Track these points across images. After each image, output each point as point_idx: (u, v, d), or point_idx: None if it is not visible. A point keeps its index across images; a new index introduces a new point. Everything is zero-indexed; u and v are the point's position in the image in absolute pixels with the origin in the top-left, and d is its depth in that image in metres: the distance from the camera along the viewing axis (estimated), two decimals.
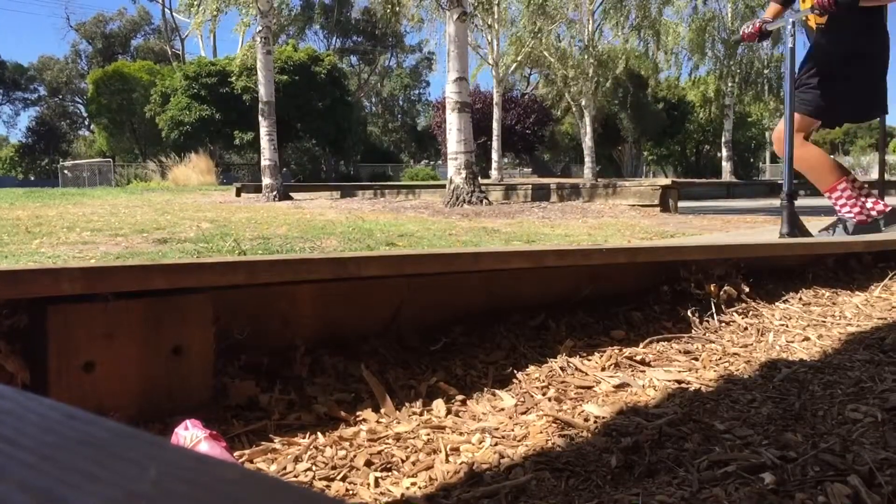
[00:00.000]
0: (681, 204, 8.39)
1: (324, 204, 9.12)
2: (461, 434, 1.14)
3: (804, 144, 3.51)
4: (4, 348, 1.03)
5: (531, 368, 1.45)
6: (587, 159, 21.01)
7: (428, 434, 1.13)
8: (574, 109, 22.62)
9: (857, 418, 1.15)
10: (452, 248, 3.10)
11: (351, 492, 0.95)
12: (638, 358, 1.55)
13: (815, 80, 3.50)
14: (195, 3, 12.28)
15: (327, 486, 0.96)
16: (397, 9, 12.71)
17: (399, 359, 1.42)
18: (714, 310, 1.93)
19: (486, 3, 15.64)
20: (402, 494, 0.94)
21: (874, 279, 2.61)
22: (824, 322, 1.99)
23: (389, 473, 1.00)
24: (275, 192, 10.45)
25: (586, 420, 1.19)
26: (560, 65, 19.88)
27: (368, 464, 1.02)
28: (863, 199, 3.53)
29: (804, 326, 1.93)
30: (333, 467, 1.01)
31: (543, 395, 1.32)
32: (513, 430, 1.15)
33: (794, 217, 3.33)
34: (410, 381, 1.34)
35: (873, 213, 3.49)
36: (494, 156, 19.23)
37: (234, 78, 23.14)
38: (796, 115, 3.42)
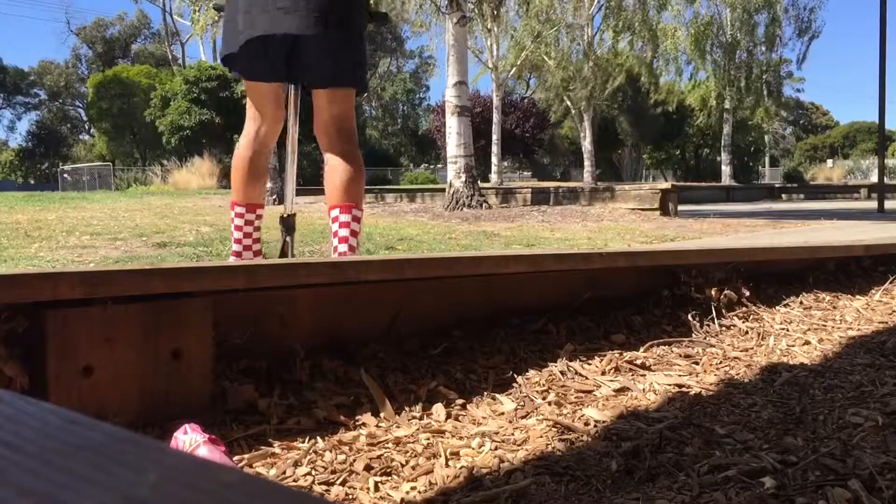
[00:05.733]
0: (680, 207, 8.40)
1: (323, 207, 9.12)
2: (461, 438, 1.14)
3: (245, 132, 2.36)
4: (3, 353, 1.02)
5: (531, 372, 1.45)
6: (587, 163, 21.02)
7: (428, 438, 1.13)
8: (573, 113, 22.64)
9: (857, 422, 1.14)
10: (452, 252, 3.10)
11: (350, 496, 0.95)
12: (638, 362, 1.54)
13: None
14: (196, 8, 12.31)
15: (327, 491, 0.96)
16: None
17: (398, 363, 1.42)
18: (714, 314, 1.93)
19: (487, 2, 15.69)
20: (402, 499, 0.93)
21: (875, 283, 2.61)
22: (825, 326, 1.99)
23: (389, 478, 1.00)
24: (274, 196, 10.45)
25: (586, 424, 1.18)
26: (558, 68, 19.92)
27: (368, 468, 1.01)
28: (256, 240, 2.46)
29: (805, 330, 1.93)
30: (333, 472, 1.01)
31: (543, 399, 1.32)
32: (513, 435, 1.15)
33: None
34: (410, 386, 1.34)
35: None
36: (494, 160, 19.23)
37: (234, 82, 23.16)
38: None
